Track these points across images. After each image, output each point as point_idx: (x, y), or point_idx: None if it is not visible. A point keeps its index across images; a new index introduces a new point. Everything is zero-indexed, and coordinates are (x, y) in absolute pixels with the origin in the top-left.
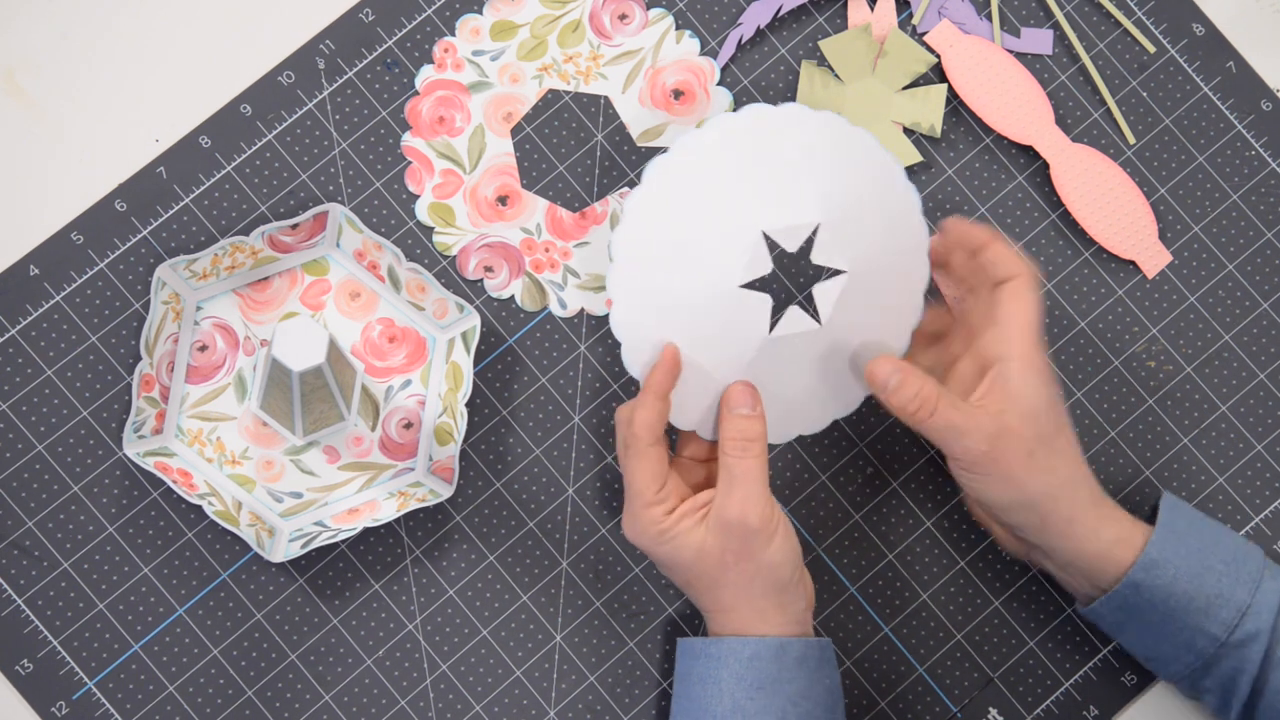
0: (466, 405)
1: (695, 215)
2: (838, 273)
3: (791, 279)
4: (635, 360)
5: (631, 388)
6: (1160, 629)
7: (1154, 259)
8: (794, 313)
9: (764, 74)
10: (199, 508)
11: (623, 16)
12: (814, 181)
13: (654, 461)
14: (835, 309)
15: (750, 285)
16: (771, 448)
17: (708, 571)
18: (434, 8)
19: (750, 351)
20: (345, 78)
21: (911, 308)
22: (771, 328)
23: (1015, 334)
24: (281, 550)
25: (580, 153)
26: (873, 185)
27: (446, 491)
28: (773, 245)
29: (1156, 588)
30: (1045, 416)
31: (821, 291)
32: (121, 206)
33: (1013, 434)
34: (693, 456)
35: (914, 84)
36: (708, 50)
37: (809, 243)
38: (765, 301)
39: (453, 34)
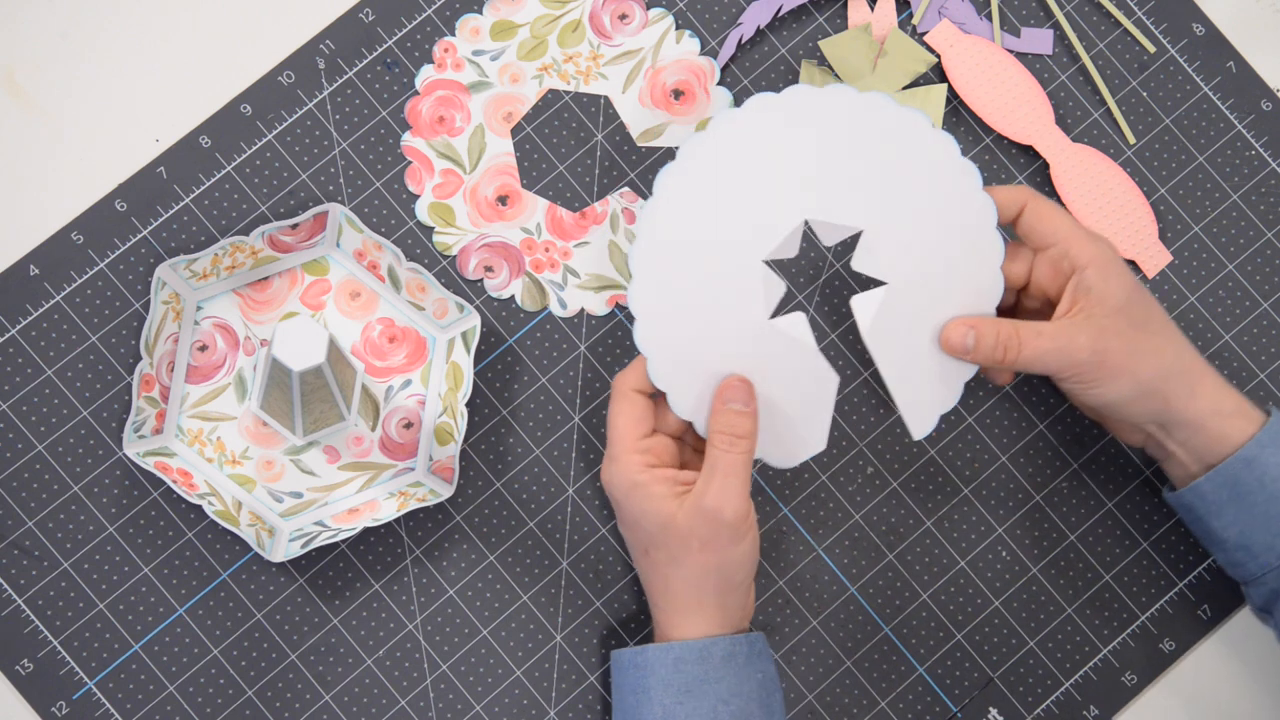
0: (466, 405)
1: (720, 219)
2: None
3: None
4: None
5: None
6: (1261, 511)
7: (1154, 259)
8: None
9: (764, 74)
10: (199, 508)
11: (623, 16)
12: (847, 169)
13: (637, 406)
14: (898, 311)
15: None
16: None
17: (669, 547)
18: (434, 8)
19: (796, 362)
20: (345, 78)
21: (990, 288)
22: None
23: (1069, 246)
24: (281, 550)
25: (580, 153)
26: (916, 158)
27: (446, 491)
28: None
29: (1272, 464)
30: (1133, 304)
31: (864, 303)
32: (121, 206)
33: (1108, 332)
34: (665, 431)
35: (914, 84)
36: (708, 50)
37: (851, 242)
38: (800, 323)
39: (453, 34)
